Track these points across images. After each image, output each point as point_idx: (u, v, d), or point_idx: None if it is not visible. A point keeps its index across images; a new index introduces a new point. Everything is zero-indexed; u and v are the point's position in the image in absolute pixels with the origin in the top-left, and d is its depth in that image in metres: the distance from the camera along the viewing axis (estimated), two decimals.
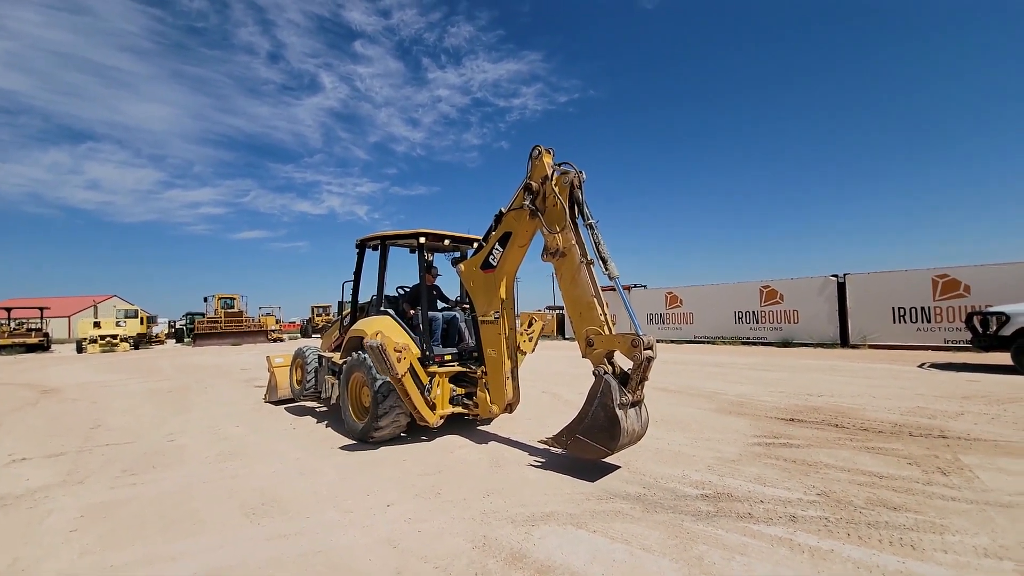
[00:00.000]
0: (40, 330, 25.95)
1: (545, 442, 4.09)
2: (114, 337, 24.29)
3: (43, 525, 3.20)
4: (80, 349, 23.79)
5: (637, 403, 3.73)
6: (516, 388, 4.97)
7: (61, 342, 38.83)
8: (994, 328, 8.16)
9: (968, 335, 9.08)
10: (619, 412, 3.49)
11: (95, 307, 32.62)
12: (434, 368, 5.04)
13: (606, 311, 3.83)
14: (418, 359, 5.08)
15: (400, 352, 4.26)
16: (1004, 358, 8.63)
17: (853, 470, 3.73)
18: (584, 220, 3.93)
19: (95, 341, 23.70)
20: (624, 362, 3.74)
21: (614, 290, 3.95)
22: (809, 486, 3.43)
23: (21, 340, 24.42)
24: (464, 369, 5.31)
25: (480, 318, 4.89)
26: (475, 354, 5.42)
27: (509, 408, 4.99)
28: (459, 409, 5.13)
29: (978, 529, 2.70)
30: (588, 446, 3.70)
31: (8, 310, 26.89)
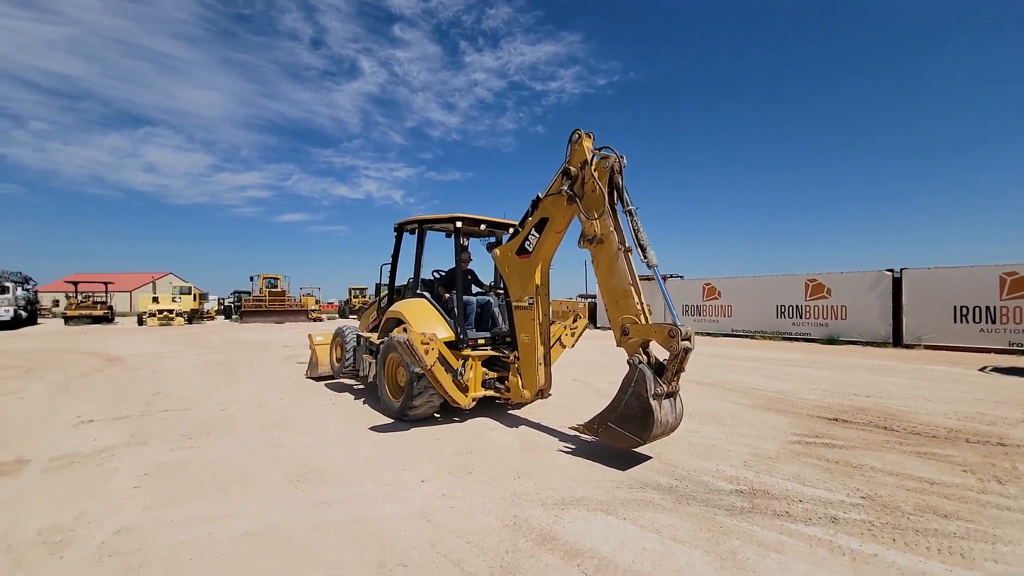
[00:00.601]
0: (105, 303, 28.05)
1: (576, 428, 4.10)
2: (170, 312, 25.92)
3: (109, 482, 3.50)
4: (141, 322, 25.53)
5: (672, 394, 3.68)
6: (548, 374, 4.99)
7: (123, 315, 41.80)
8: None
9: None
10: (653, 402, 3.45)
11: (153, 283, 34.96)
12: (467, 351, 5.13)
13: (643, 300, 3.77)
14: (451, 342, 5.19)
15: (427, 344, 4.32)
16: None
17: (902, 475, 3.55)
18: (623, 207, 3.85)
19: (154, 315, 25.37)
20: (660, 352, 3.68)
21: (651, 279, 3.88)
22: (852, 488, 3.30)
23: (88, 312, 26.51)
24: (497, 353, 5.37)
25: (514, 303, 4.92)
26: (508, 339, 5.47)
27: (541, 394, 5.03)
28: (491, 392, 5.21)
29: None
30: (620, 435, 3.69)
31: (75, 284, 29.15)
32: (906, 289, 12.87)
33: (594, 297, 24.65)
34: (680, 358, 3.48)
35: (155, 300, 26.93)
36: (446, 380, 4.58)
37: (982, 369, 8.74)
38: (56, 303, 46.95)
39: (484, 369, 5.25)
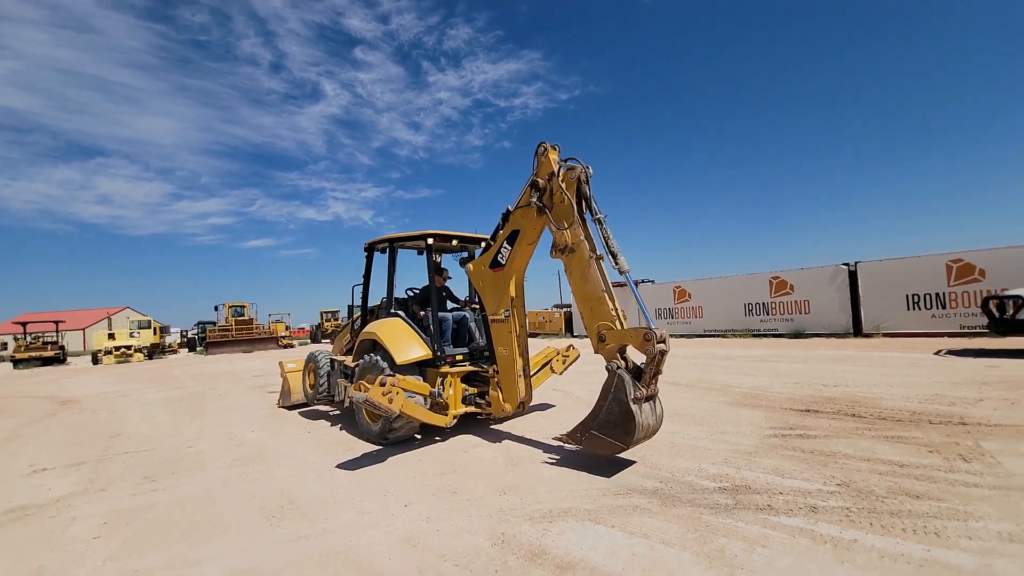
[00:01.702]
0: (56, 343, 26.36)
1: (560, 439, 4.09)
2: (128, 348, 24.63)
3: (67, 533, 3.25)
4: (96, 361, 24.13)
5: (651, 397, 3.71)
6: (528, 386, 4.97)
7: (77, 355, 39.42)
8: (1011, 312, 8.02)
9: (984, 320, 8.93)
10: (633, 407, 3.47)
11: (109, 319, 33.15)
12: (445, 368, 5.06)
13: (617, 306, 3.81)
14: (428, 360, 5.11)
15: (389, 392, 4.10)
16: (1022, 342, 8.48)
17: (873, 459, 3.68)
18: (592, 215, 3.91)
19: (110, 352, 24.04)
20: (637, 357, 3.72)
21: (624, 285, 3.93)
22: (828, 476, 3.40)
23: (38, 353, 24.84)
24: (476, 368, 5.31)
25: (490, 317, 4.90)
26: (486, 353, 5.43)
27: (522, 406, 4.99)
28: (472, 409, 5.14)
29: (1002, 515, 2.66)
30: (603, 442, 3.69)
31: (24, 324, 27.34)
32: (862, 281, 13.54)
33: (569, 307, 24.84)
34: (657, 361, 3.52)
35: (111, 336, 25.54)
36: (419, 412, 4.47)
37: (937, 353, 9.23)
38: (4, 346, 43.95)
39: (464, 385, 5.18)
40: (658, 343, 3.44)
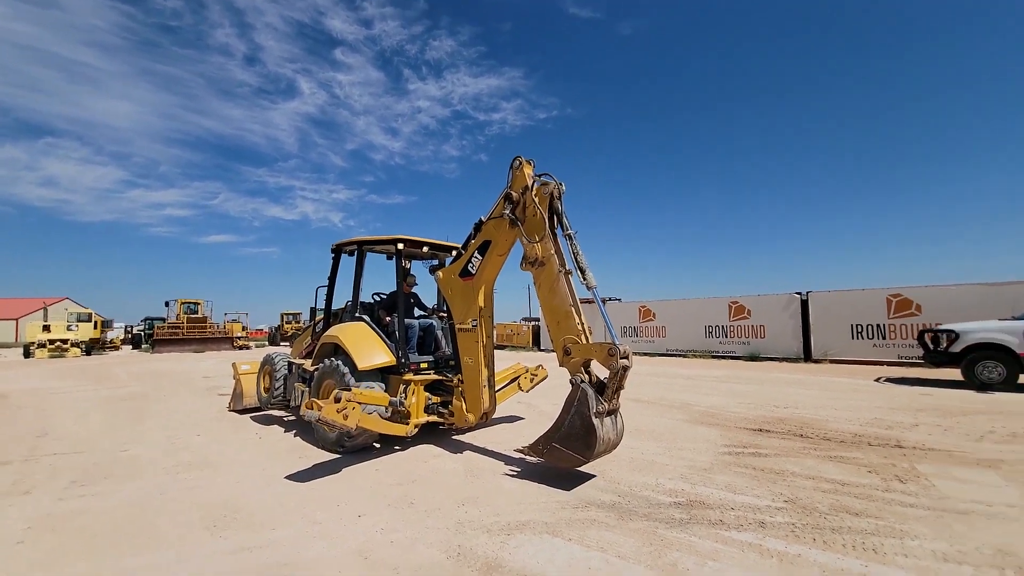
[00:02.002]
0: None
1: (521, 451, 4.07)
2: (64, 342, 22.95)
3: None
4: (27, 354, 22.35)
5: (613, 412, 3.76)
6: (492, 397, 4.94)
7: (7, 346, 36.38)
8: (944, 345, 8.63)
9: (920, 351, 9.57)
10: (595, 421, 3.51)
11: (45, 310, 30.73)
12: (409, 376, 4.97)
13: (584, 320, 3.87)
14: (392, 367, 5.01)
15: (343, 408, 3.95)
16: (954, 373, 9.13)
17: (817, 478, 3.85)
18: (563, 230, 3.98)
19: (44, 346, 22.33)
20: (601, 372, 3.78)
21: (591, 302, 4.00)
22: (777, 493, 3.53)
23: None
24: (440, 377, 5.24)
25: (457, 326, 4.86)
26: (452, 363, 5.37)
27: (485, 417, 4.95)
28: (434, 418, 5.05)
29: (936, 535, 2.82)
30: (564, 455, 3.70)
31: None
32: (812, 310, 14.29)
33: (537, 320, 24.99)
34: (620, 376, 3.58)
35: (46, 328, 23.70)
36: (378, 424, 4.35)
37: (877, 380, 9.82)
38: None
39: (427, 394, 5.10)
40: (621, 359, 3.51)
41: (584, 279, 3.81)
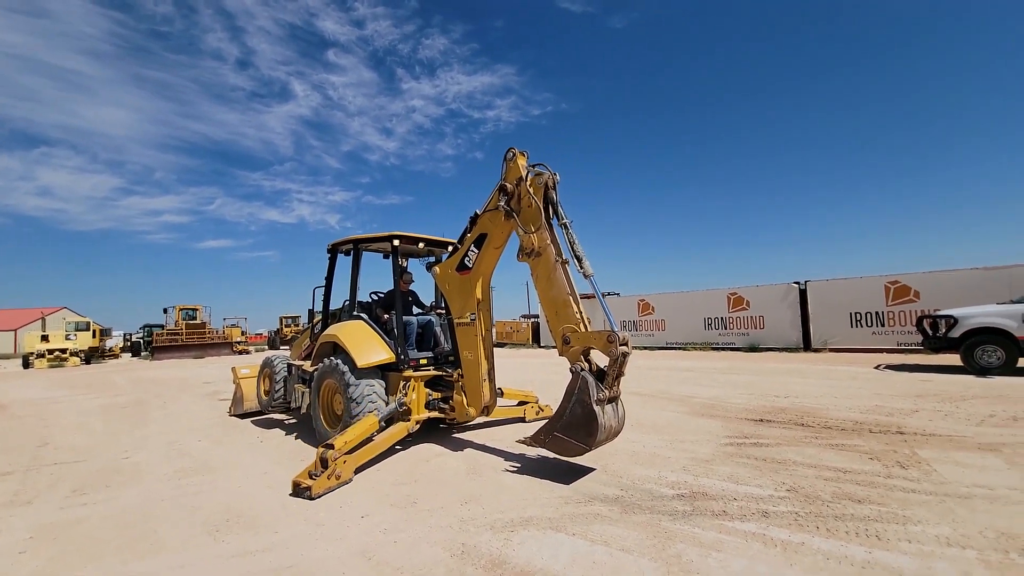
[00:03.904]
0: None
1: (524, 442, 4.07)
2: (63, 351, 22.88)
3: None
4: (27, 364, 22.31)
5: (614, 399, 3.76)
6: (493, 390, 4.92)
7: (7, 357, 36.30)
8: (943, 331, 8.65)
9: (919, 338, 9.60)
10: (596, 408, 3.51)
11: (43, 320, 30.58)
12: (409, 372, 4.97)
13: (582, 309, 3.86)
14: (391, 364, 5.04)
15: (333, 471, 3.79)
16: (953, 359, 9.17)
17: (819, 466, 3.86)
18: (559, 220, 3.97)
19: (43, 356, 22.25)
20: (600, 361, 3.77)
21: (592, 297, 3.98)
22: (779, 483, 3.53)
23: None
24: (440, 373, 5.24)
25: (456, 320, 4.84)
26: (451, 358, 5.36)
27: (486, 410, 4.93)
28: (435, 413, 5.05)
29: (939, 519, 2.83)
30: (567, 443, 3.70)
31: None
32: (811, 299, 14.31)
33: (536, 317, 24.99)
34: (619, 363, 3.57)
35: (45, 339, 23.63)
36: (378, 448, 4.30)
37: (876, 367, 9.84)
38: None
39: (427, 390, 5.10)
40: (621, 345, 3.50)
41: (581, 267, 3.80)
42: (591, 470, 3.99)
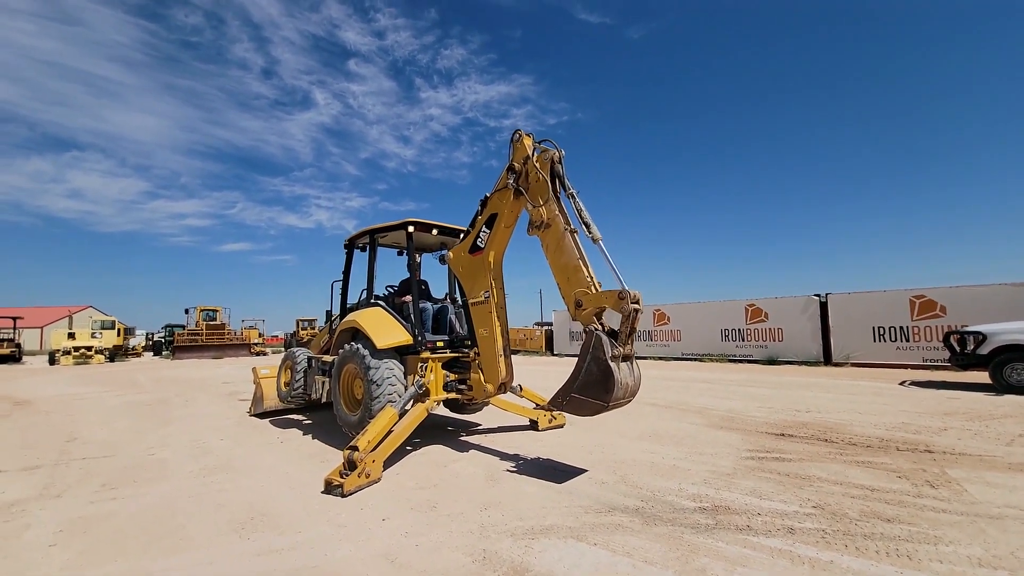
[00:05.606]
0: (12, 340, 25.00)
1: (543, 407, 4.06)
2: (88, 349, 23.53)
3: (21, 540, 3.05)
4: (53, 361, 22.95)
5: (628, 358, 3.74)
6: (509, 366, 4.91)
7: (33, 354, 37.43)
8: (972, 347, 8.40)
9: (945, 354, 9.33)
10: (612, 364, 3.50)
11: (70, 318, 31.61)
12: (426, 354, 5.08)
13: (592, 273, 3.89)
14: (409, 346, 5.15)
15: (363, 469, 3.89)
16: (982, 376, 8.89)
17: (845, 483, 3.77)
18: (566, 191, 4.04)
19: (68, 353, 22.91)
20: (613, 324, 3.75)
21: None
22: (804, 499, 3.46)
23: None
24: (456, 354, 5.34)
25: (471, 300, 4.89)
26: (467, 341, 5.44)
27: (503, 387, 4.92)
28: (453, 395, 5.12)
29: (971, 540, 2.75)
30: (584, 403, 3.68)
31: None
32: (832, 312, 14.02)
33: (550, 324, 24.90)
34: (632, 319, 3.57)
35: (71, 336, 24.36)
36: (399, 437, 4.35)
37: (901, 383, 9.58)
38: None
39: (444, 372, 5.17)
40: (632, 303, 3.52)
41: (589, 232, 3.83)
42: (612, 480, 3.96)
